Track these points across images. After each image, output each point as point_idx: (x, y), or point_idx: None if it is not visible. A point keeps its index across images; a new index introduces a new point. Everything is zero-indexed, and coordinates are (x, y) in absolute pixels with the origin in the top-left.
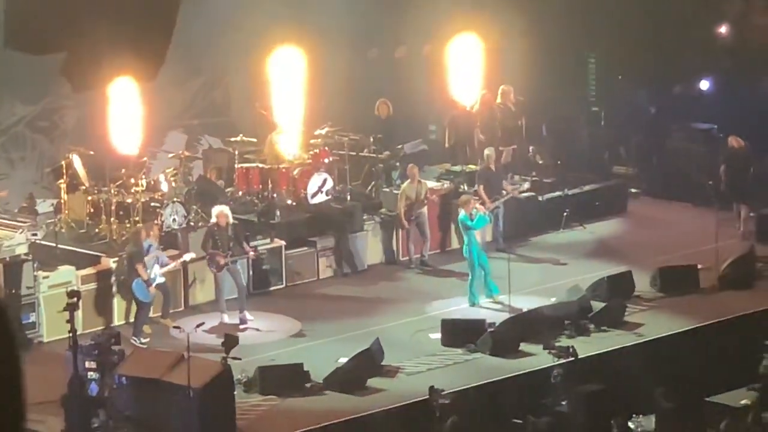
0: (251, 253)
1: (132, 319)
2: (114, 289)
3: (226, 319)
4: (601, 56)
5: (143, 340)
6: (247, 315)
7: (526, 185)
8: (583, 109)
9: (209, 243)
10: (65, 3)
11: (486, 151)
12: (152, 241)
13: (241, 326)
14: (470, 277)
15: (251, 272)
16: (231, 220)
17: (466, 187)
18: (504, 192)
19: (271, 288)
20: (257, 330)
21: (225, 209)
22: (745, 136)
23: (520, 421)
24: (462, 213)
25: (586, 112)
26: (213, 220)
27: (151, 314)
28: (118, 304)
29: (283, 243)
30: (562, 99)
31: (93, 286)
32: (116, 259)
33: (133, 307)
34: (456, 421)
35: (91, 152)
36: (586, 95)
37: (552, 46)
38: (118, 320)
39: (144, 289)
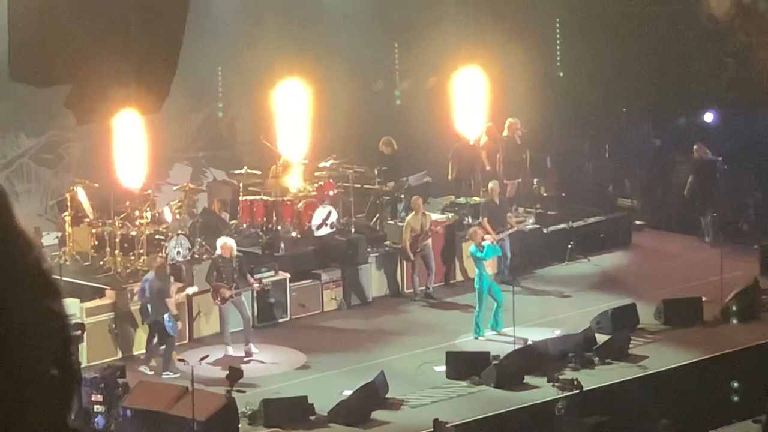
0: (256, 285)
1: (136, 352)
2: (116, 322)
3: (231, 351)
4: (606, 89)
5: (174, 374)
6: (253, 348)
7: (531, 221)
8: (587, 141)
9: (214, 275)
10: (70, 36)
11: (490, 184)
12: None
13: (246, 358)
14: (477, 309)
15: (256, 305)
16: (235, 252)
17: (470, 219)
18: (508, 225)
19: (276, 320)
20: (262, 362)
21: (229, 241)
22: (750, 168)
23: None
24: (472, 245)
25: (590, 145)
26: (218, 251)
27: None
28: (122, 336)
29: (287, 275)
30: (567, 132)
31: (97, 318)
32: (120, 291)
33: (138, 340)
34: None
35: (96, 185)
36: (590, 128)
37: (556, 79)
38: (122, 353)
39: (174, 324)
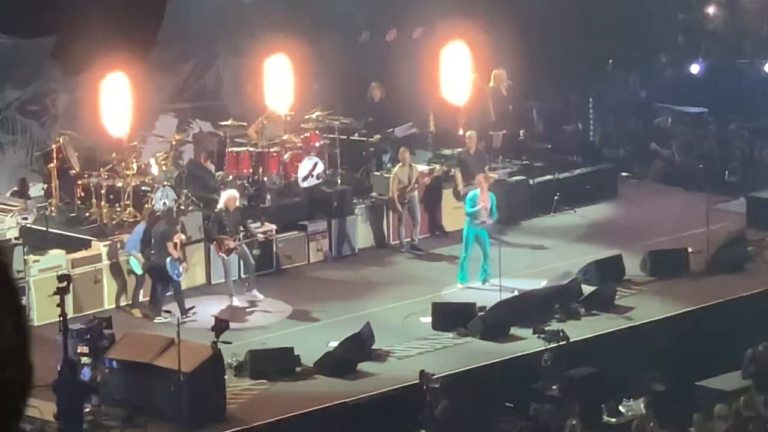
0: (260, 235)
1: (124, 302)
2: (104, 272)
3: (236, 302)
4: (592, 40)
5: (165, 319)
6: (257, 293)
7: (507, 171)
8: (573, 93)
9: (215, 229)
10: None
11: (467, 133)
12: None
13: (249, 307)
14: (463, 255)
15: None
16: (239, 203)
17: (455, 171)
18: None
19: (263, 272)
20: (248, 313)
21: (234, 193)
22: (736, 120)
23: (512, 405)
24: (472, 192)
25: (576, 96)
26: (220, 206)
27: (141, 299)
28: (108, 287)
29: (273, 227)
30: (553, 83)
31: (83, 269)
32: (108, 242)
33: (128, 289)
34: (446, 405)
35: (82, 136)
36: (576, 79)
37: (542, 30)
38: (108, 304)
39: (177, 267)
